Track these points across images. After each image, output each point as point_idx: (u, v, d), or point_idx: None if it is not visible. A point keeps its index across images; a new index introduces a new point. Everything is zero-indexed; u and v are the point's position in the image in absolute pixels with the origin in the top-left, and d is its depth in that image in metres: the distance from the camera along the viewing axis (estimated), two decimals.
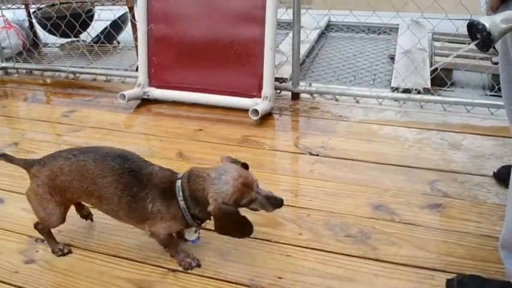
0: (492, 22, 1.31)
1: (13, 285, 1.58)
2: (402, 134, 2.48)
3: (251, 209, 1.47)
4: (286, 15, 3.02)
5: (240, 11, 2.78)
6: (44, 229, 1.69)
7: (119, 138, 2.56)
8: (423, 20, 3.71)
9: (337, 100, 2.93)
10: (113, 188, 1.50)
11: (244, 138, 2.49)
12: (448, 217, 1.83)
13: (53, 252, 1.71)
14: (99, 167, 1.51)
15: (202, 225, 1.58)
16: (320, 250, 1.69)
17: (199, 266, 1.63)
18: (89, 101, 3.12)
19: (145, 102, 3.00)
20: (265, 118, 2.70)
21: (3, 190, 2.12)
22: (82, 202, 1.76)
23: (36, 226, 1.69)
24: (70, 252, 1.72)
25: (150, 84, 3.01)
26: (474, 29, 1.33)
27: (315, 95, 2.98)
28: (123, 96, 2.88)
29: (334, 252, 1.68)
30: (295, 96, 2.97)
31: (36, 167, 1.58)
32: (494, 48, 3.46)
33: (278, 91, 2.99)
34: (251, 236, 1.51)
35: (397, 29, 3.99)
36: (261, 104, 2.65)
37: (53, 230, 1.70)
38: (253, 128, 2.59)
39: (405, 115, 2.71)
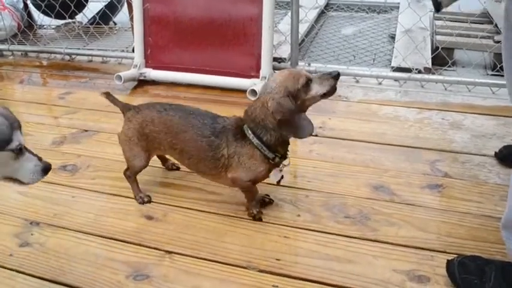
0: None
1: (8, 269, 1.56)
2: (402, 114, 2.44)
3: (314, 97, 1.55)
4: None
5: None
6: (131, 174, 1.84)
7: (115, 120, 2.52)
8: None
9: None
10: (193, 141, 1.64)
11: None
12: (449, 197, 1.81)
13: (135, 198, 1.86)
14: (183, 123, 1.66)
15: (284, 163, 1.67)
16: (319, 231, 1.66)
17: (260, 219, 1.72)
18: (85, 82, 3.08)
19: (142, 83, 2.96)
20: None
21: None
22: (167, 156, 1.90)
23: (124, 173, 1.86)
24: (149, 201, 1.85)
25: (147, 65, 2.97)
26: None
27: None
28: (120, 78, 2.84)
29: (333, 234, 1.65)
30: None
31: (132, 112, 1.77)
32: (496, 26, 3.41)
33: (276, 71, 2.95)
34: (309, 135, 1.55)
35: (398, 7, 3.92)
36: (259, 85, 2.60)
37: (45, 211, 1.68)
38: None
39: (405, 95, 2.67)
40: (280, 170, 1.70)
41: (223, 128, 1.63)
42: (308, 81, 1.53)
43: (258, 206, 1.75)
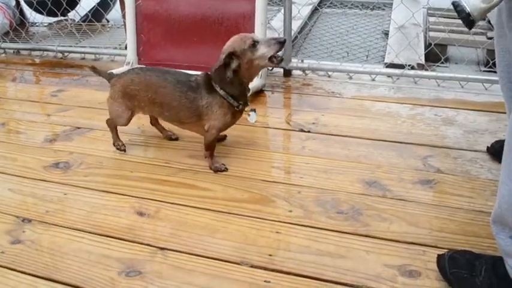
0: (473, 3, 1.31)
1: (0, 266, 1.56)
2: (395, 110, 2.45)
3: (262, 57, 1.80)
4: None
5: None
6: (112, 125, 2.13)
7: (107, 117, 2.51)
8: None
9: (329, 76, 2.89)
10: (172, 95, 1.91)
11: None
12: (441, 193, 1.82)
13: (113, 145, 2.14)
14: (160, 80, 1.93)
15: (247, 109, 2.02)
16: (311, 227, 1.67)
17: (226, 169, 1.96)
18: (78, 80, 3.07)
19: None
20: (257, 95, 2.66)
21: None
22: (149, 113, 2.13)
23: (107, 121, 2.14)
24: (124, 150, 2.13)
25: (139, 63, 2.95)
26: (457, 9, 1.34)
27: (307, 72, 2.94)
28: None
29: (325, 229, 1.66)
30: (287, 73, 2.93)
31: (115, 78, 2.04)
32: (489, 23, 3.42)
33: (270, 68, 2.95)
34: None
35: (391, 4, 3.93)
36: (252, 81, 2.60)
37: (37, 208, 1.67)
38: None
39: (398, 91, 2.68)
40: (249, 115, 2.21)
41: (197, 84, 1.90)
42: (255, 43, 1.79)
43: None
